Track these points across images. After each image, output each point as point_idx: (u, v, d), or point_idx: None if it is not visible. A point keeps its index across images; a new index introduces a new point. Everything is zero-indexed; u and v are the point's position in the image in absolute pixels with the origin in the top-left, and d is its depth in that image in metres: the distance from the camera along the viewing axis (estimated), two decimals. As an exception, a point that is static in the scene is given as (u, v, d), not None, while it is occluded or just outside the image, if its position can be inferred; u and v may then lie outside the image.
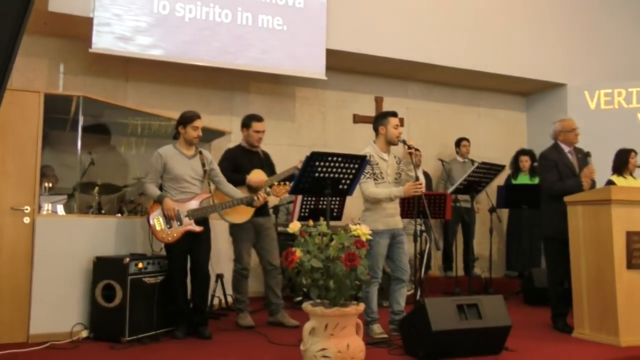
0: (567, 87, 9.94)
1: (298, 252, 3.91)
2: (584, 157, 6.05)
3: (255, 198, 5.60)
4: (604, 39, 10.38)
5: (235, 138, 6.20)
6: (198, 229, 5.34)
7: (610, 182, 7.16)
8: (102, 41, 7.01)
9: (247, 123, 6.06)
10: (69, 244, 5.27)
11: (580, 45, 10.14)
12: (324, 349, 3.81)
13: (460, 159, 9.33)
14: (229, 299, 6.68)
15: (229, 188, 5.64)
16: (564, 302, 5.94)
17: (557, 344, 5.34)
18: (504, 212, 9.49)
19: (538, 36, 9.76)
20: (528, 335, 5.55)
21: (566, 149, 6.08)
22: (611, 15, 10.53)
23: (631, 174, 7.43)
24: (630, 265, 5.36)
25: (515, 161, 9.28)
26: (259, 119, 6.07)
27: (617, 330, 5.26)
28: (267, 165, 6.15)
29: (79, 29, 7.12)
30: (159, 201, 5.30)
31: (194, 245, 5.40)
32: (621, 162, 7.38)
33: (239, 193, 5.65)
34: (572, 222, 5.67)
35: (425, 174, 9.03)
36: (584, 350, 5.10)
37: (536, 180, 9.03)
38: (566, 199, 5.70)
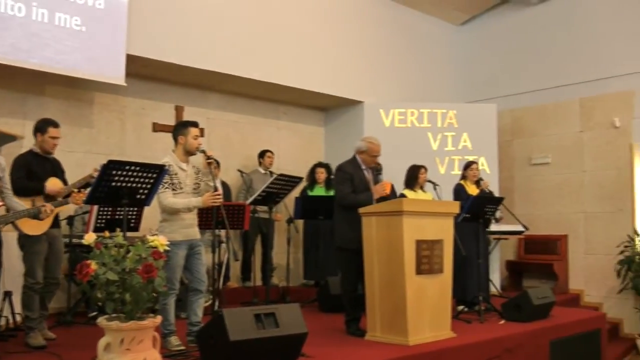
0: (363, 104, 10.39)
1: (93, 265, 3.77)
2: (377, 174, 6.38)
3: (42, 210, 5.33)
4: (399, 62, 11.03)
5: (29, 143, 5.83)
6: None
7: (402, 195, 7.61)
8: None
9: (42, 128, 5.65)
10: None
11: (378, 66, 10.68)
12: (119, 365, 3.72)
13: (262, 170, 9.42)
14: (18, 318, 6.25)
15: (13, 201, 5.22)
16: (356, 308, 6.20)
17: (351, 347, 5.58)
18: (300, 223, 9.74)
19: (338, 54, 10.13)
20: (323, 341, 5.71)
21: (363, 165, 6.36)
22: (407, 40, 11.21)
23: (421, 188, 7.96)
24: (419, 271, 5.73)
25: (312, 173, 9.55)
26: (55, 124, 5.69)
27: (406, 331, 5.60)
28: (59, 172, 5.83)
29: None
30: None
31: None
32: (412, 177, 7.89)
33: (23, 206, 5.31)
34: (366, 232, 5.93)
35: (224, 185, 9.06)
36: (375, 351, 5.35)
37: (331, 192, 9.36)
38: (361, 210, 5.96)
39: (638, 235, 9.68)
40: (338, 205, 6.32)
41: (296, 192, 8.77)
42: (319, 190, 9.43)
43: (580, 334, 7.37)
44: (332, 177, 9.31)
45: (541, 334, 6.80)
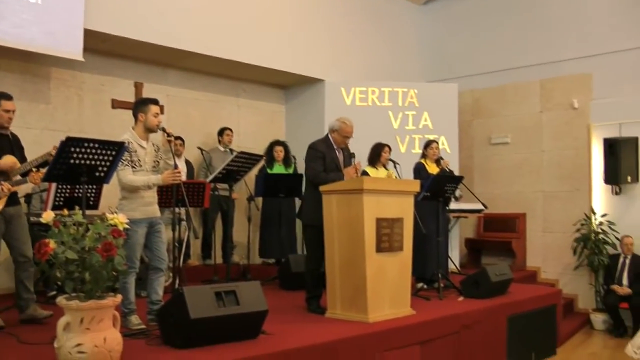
0: (324, 82, 10.34)
1: (52, 244, 3.71)
2: (349, 156, 6.42)
3: (0, 189, 5.23)
4: (361, 40, 10.97)
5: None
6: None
7: (364, 173, 7.64)
8: None
9: None
10: None
11: (339, 44, 10.61)
12: (79, 345, 3.66)
13: (221, 148, 9.36)
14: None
15: None
16: (318, 285, 6.24)
17: (311, 324, 5.62)
18: (259, 200, 9.73)
19: (299, 32, 10.05)
20: (284, 318, 5.73)
21: (335, 145, 6.39)
22: (369, 19, 11.17)
23: (384, 166, 8.01)
24: (379, 249, 5.78)
25: (270, 151, 9.52)
26: (8, 97, 5.49)
27: (366, 308, 5.65)
28: (17, 149, 5.63)
29: None
30: None
31: None
32: (375, 155, 7.94)
33: None
34: (327, 210, 5.95)
35: (188, 163, 9.01)
36: (335, 328, 5.39)
37: (291, 170, 9.39)
38: (322, 188, 5.97)
39: (594, 213, 9.88)
40: (308, 183, 6.34)
41: (255, 170, 8.77)
42: (279, 168, 9.42)
43: (536, 310, 7.53)
44: (291, 154, 9.38)
45: (499, 310, 6.92)
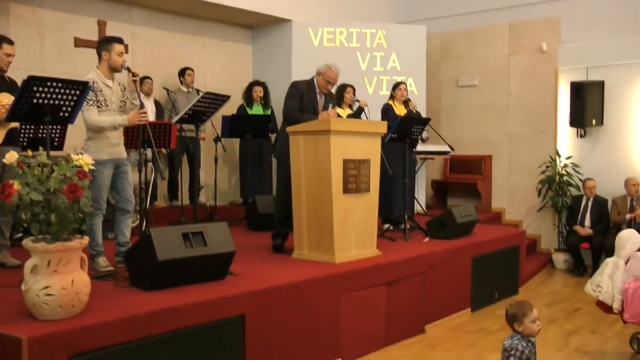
0: (292, 22, 10.18)
1: (16, 185, 3.66)
2: (328, 102, 6.44)
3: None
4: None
5: None
6: None
7: (338, 116, 7.64)
8: None
9: None
10: None
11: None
12: (47, 287, 3.63)
13: (184, 89, 9.25)
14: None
15: None
16: (286, 225, 6.28)
17: (278, 265, 5.67)
18: (235, 142, 9.68)
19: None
20: (251, 259, 5.79)
21: (317, 88, 6.40)
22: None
23: (350, 107, 8.01)
24: (346, 190, 5.80)
25: (249, 91, 9.46)
26: (10, 41, 5.44)
27: (333, 249, 5.70)
28: (14, 93, 5.53)
29: None
30: None
31: None
32: (338, 96, 7.90)
33: None
34: (294, 150, 5.95)
35: (157, 104, 8.90)
36: (302, 269, 5.45)
37: (268, 112, 9.34)
38: (289, 129, 5.97)
39: (559, 156, 10.00)
40: (284, 120, 6.33)
41: (231, 110, 8.70)
42: (257, 109, 9.38)
43: (500, 250, 7.69)
44: (269, 95, 9.37)
45: (464, 251, 7.04)
